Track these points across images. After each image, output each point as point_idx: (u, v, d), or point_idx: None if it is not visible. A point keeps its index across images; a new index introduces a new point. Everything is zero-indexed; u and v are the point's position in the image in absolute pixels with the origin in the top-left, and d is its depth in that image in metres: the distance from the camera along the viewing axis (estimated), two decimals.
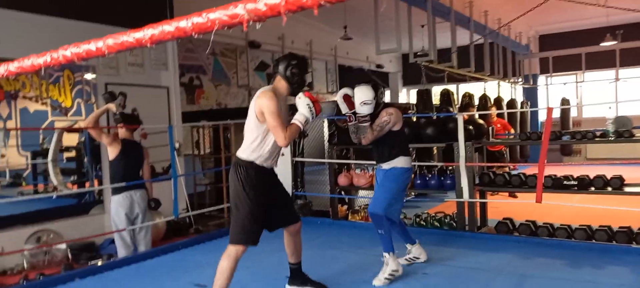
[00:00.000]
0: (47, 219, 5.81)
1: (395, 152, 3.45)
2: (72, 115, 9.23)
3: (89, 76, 6.66)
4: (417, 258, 3.77)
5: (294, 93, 3.01)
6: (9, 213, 5.93)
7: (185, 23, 1.77)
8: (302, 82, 3.01)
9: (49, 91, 8.91)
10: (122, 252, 4.53)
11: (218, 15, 1.70)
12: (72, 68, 8.28)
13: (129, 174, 4.49)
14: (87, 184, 7.62)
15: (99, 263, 4.63)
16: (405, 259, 3.76)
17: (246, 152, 2.95)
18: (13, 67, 2.24)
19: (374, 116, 3.43)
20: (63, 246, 5.43)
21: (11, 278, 4.94)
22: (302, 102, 2.90)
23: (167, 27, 1.78)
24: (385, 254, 3.35)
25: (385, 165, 3.49)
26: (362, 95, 3.32)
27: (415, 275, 3.51)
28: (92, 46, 1.91)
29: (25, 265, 5.19)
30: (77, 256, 5.45)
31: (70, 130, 7.72)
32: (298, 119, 2.87)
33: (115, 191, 4.49)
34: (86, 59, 1.96)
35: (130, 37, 1.83)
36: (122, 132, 4.57)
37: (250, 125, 2.93)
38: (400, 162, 3.46)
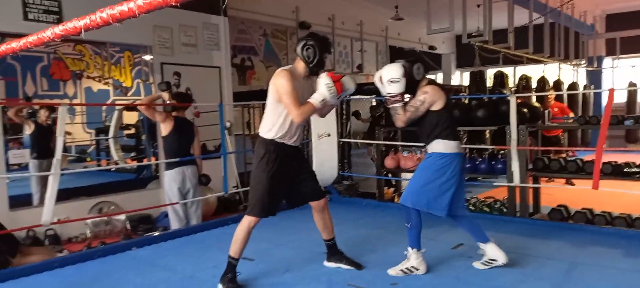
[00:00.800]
0: (109, 192, 6.22)
1: (434, 135, 3.09)
2: (132, 94, 9.70)
3: (147, 57, 6.97)
4: (494, 260, 3.18)
5: (312, 72, 3.01)
6: (74, 185, 6.38)
7: None
8: (320, 62, 2.99)
9: (111, 71, 9.41)
10: (175, 225, 4.77)
11: None
12: (132, 49, 8.68)
13: (181, 150, 4.70)
14: (144, 160, 8.01)
15: (155, 234, 4.88)
16: (482, 263, 3.23)
17: (265, 129, 3.04)
18: (58, 30, 2.41)
19: (413, 96, 3.18)
20: (122, 217, 5.79)
21: (76, 246, 5.33)
22: (322, 81, 2.92)
23: None
24: (409, 249, 3.18)
25: (428, 149, 3.21)
26: (389, 73, 3.07)
27: (461, 257, 3.46)
28: (124, 7, 2.06)
29: (88, 233, 5.57)
30: (135, 227, 5.79)
31: (127, 107, 8.13)
32: (315, 98, 2.91)
33: (168, 166, 4.71)
34: (121, 19, 2.09)
35: None
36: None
37: (269, 104, 3.02)
38: (439, 146, 3.09)
